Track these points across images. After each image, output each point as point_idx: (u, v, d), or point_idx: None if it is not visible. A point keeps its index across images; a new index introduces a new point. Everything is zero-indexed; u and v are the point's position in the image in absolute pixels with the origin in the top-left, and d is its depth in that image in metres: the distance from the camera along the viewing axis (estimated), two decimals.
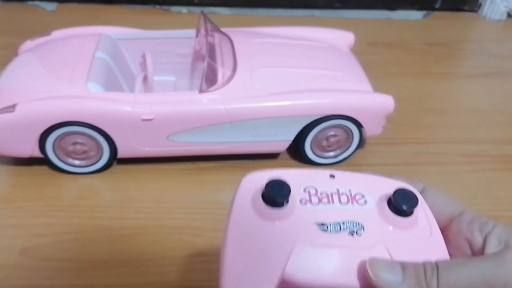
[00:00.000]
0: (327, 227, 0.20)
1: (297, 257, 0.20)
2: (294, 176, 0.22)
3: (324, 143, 0.53)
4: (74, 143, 0.49)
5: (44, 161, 0.51)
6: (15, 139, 0.48)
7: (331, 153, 0.54)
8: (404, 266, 0.19)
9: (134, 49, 0.60)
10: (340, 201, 0.21)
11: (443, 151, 0.58)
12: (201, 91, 0.49)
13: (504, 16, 0.92)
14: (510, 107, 0.67)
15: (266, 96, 0.49)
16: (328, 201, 0.21)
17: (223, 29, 0.58)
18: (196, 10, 0.87)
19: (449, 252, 0.21)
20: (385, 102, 0.51)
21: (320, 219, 0.21)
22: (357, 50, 0.61)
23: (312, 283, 0.19)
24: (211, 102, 0.48)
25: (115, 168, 0.53)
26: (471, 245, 0.21)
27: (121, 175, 0.52)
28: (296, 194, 0.21)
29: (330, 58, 0.57)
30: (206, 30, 0.56)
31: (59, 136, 0.48)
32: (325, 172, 0.22)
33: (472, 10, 0.94)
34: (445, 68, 0.77)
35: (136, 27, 0.62)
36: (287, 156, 0.56)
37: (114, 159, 0.52)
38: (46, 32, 0.60)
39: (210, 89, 0.49)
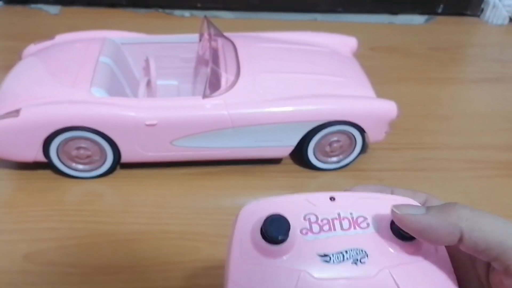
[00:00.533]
0: (330, 258, 0.20)
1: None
2: (293, 204, 0.21)
3: (327, 148, 0.53)
4: (78, 148, 0.49)
5: (48, 165, 0.51)
6: (19, 144, 0.48)
7: (334, 159, 0.54)
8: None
9: (138, 53, 0.60)
10: (341, 227, 0.21)
11: (446, 157, 0.58)
12: (204, 96, 0.49)
13: (506, 21, 0.92)
14: None
15: (269, 102, 0.49)
16: (330, 228, 0.21)
17: (226, 34, 0.58)
18: (199, 13, 0.88)
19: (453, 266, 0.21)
20: (388, 108, 0.51)
21: (322, 249, 0.20)
22: (359, 55, 0.62)
23: None
24: (214, 107, 0.48)
25: (118, 172, 0.53)
26: (471, 258, 0.21)
27: (124, 179, 0.52)
28: (296, 224, 0.21)
29: (333, 64, 0.57)
30: (210, 35, 0.56)
31: (63, 140, 0.48)
32: (325, 195, 0.22)
33: (474, 15, 0.94)
34: (448, 73, 0.77)
35: (138, 30, 0.62)
36: (290, 161, 0.56)
37: (118, 163, 0.52)
38: (49, 36, 0.60)
39: (214, 94, 0.49)
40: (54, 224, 0.46)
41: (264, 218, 0.20)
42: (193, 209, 0.49)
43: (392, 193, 0.23)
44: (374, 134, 0.53)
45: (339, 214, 0.21)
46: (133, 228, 0.46)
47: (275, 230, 0.19)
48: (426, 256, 0.21)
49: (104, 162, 0.51)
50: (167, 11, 0.89)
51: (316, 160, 0.54)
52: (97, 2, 0.88)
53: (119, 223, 0.47)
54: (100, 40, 0.57)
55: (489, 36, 0.90)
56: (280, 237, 0.19)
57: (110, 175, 0.52)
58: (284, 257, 0.20)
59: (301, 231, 0.21)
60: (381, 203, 0.22)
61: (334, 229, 0.21)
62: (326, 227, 0.21)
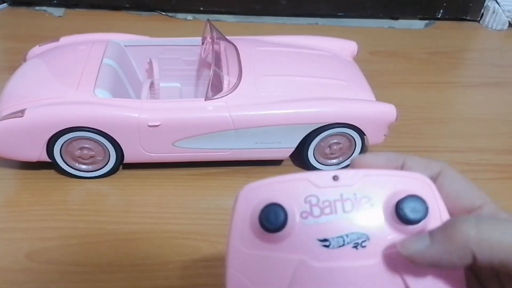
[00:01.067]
0: (330, 243, 0.19)
1: (300, 279, 0.19)
2: (294, 185, 0.20)
3: (327, 150, 0.53)
4: (81, 148, 0.50)
5: (51, 165, 0.51)
6: (23, 144, 0.49)
7: (334, 161, 0.55)
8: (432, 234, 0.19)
9: (141, 55, 0.61)
10: (343, 209, 0.20)
11: (444, 160, 0.58)
12: (206, 98, 0.49)
13: (506, 26, 0.92)
14: (511, 116, 0.68)
15: (270, 104, 0.50)
16: (331, 211, 0.20)
17: (228, 37, 0.59)
18: (201, 17, 0.89)
19: None
20: (388, 111, 0.52)
21: (322, 234, 0.20)
22: (359, 59, 0.62)
23: None
24: (216, 109, 0.49)
25: (121, 173, 0.54)
26: None
27: (126, 180, 0.53)
28: (296, 208, 0.20)
29: (334, 67, 0.58)
30: (212, 38, 0.57)
31: (66, 141, 0.49)
32: (327, 175, 0.20)
33: (474, 20, 0.94)
34: (447, 78, 0.78)
35: (142, 33, 0.63)
36: (290, 162, 0.56)
37: (120, 164, 0.52)
38: (53, 38, 0.61)
39: (216, 96, 0.50)
40: (56, 223, 0.47)
41: (262, 204, 0.19)
42: (194, 209, 0.50)
43: (404, 162, 0.22)
44: (374, 137, 0.53)
45: (341, 195, 0.20)
46: (135, 227, 0.47)
47: (272, 220, 0.19)
48: None
49: (107, 163, 0.51)
50: (170, 14, 0.90)
51: (316, 162, 0.54)
52: (101, 5, 0.89)
53: (121, 222, 0.47)
54: (104, 42, 0.57)
55: (489, 41, 0.91)
56: (277, 227, 0.19)
57: (113, 176, 0.53)
58: (283, 243, 0.20)
59: (301, 215, 0.20)
60: (388, 181, 0.20)
61: (336, 212, 0.20)
62: (327, 210, 0.20)
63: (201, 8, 0.89)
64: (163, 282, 0.42)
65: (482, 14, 0.94)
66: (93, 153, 0.50)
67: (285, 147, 0.52)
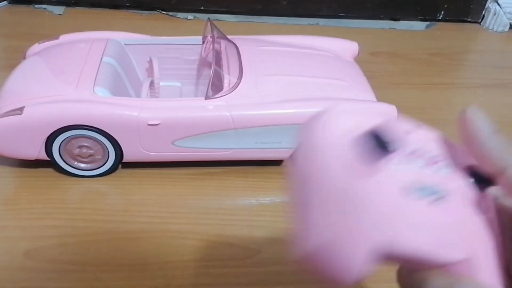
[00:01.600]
0: (409, 193, 0.18)
1: (399, 218, 0.17)
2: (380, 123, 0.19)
3: None
4: (80, 147, 0.49)
5: (50, 163, 0.51)
6: (22, 141, 0.48)
7: None
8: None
9: (141, 54, 0.60)
10: (423, 162, 0.19)
11: None
12: (207, 97, 0.49)
13: (507, 27, 0.92)
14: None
15: (271, 104, 0.50)
16: (411, 161, 0.19)
17: (229, 36, 0.58)
18: (202, 16, 0.88)
19: None
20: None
21: (402, 182, 0.18)
22: (360, 59, 0.62)
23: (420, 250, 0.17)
24: (216, 108, 0.49)
25: (120, 172, 0.53)
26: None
27: (126, 179, 0.52)
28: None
29: (335, 67, 0.58)
30: (213, 37, 0.57)
31: (65, 139, 0.49)
32: (400, 127, 0.19)
33: (475, 21, 0.94)
34: (448, 79, 0.77)
35: (142, 31, 0.63)
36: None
37: (120, 163, 0.52)
38: (53, 36, 0.61)
39: (216, 95, 0.50)
40: (55, 222, 0.47)
41: (358, 129, 0.18)
42: (194, 209, 0.49)
43: None
44: None
45: (419, 148, 0.19)
46: (134, 226, 0.47)
47: (389, 137, 0.17)
48: (483, 213, 0.20)
49: (106, 161, 0.51)
50: (171, 13, 0.90)
51: None
52: (101, 3, 0.89)
53: (120, 221, 0.47)
54: (104, 41, 0.57)
55: (490, 42, 0.91)
56: (392, 147, 0.17)
57: (112, 174, 0.53)
58: (374, 177, 0.17)
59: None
60: (452, 146, 0.21)
61: (416, 163, 0.19)
62: (407, 159, 0.19)
63: (202, 8, 0.89)
64: (161, 282, 0.42)
65: (483, 15, 0.94)
66: (92, 151, 0.50)
67: (286, 147, 0.52)
